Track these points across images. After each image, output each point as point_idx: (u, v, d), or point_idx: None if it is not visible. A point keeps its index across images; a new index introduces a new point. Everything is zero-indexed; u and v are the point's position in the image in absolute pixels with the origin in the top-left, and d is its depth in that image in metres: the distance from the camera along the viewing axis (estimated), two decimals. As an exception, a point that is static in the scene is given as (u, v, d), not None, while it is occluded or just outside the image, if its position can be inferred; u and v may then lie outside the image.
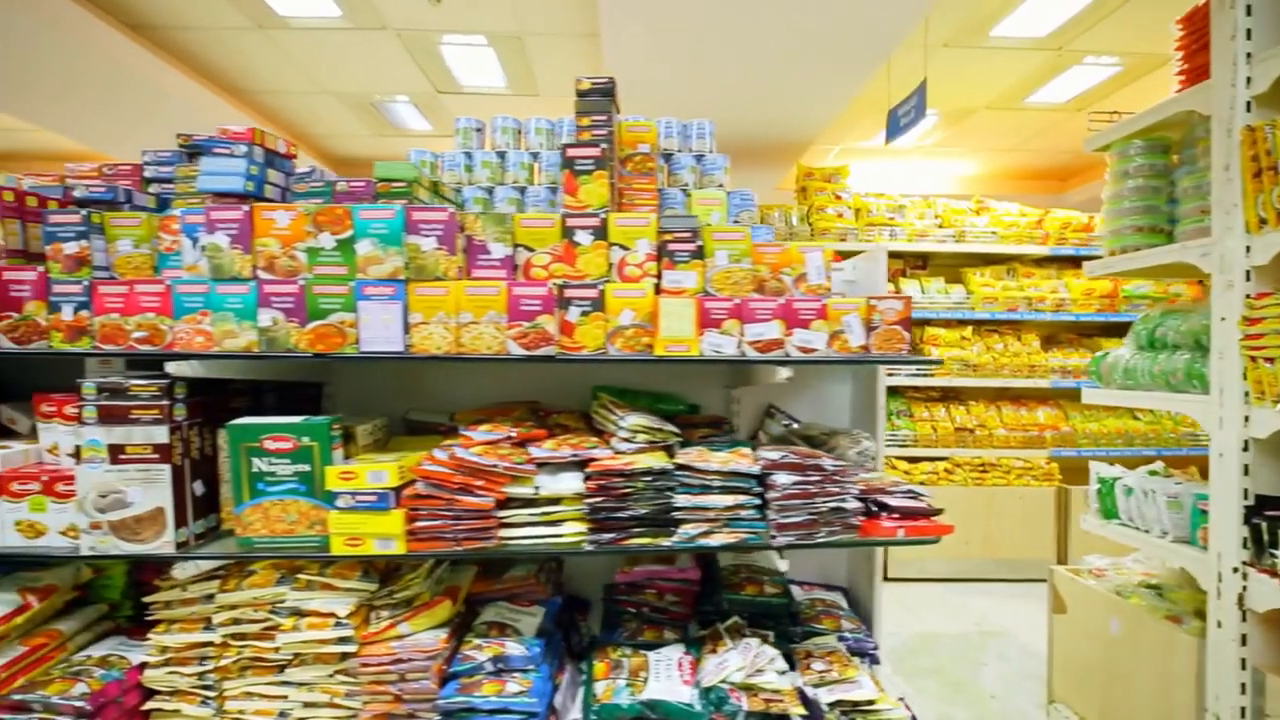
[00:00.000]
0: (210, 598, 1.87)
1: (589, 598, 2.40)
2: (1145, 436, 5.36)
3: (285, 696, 1.83)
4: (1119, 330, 5.77)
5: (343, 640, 1.79)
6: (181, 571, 1.80)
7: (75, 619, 1.98)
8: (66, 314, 1.74)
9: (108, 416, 1.68)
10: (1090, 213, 5.69)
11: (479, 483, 1.69)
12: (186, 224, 1.74)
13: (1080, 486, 5.17)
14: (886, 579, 4.65)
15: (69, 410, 1.80)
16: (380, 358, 1.68)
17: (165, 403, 1.69)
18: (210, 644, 1.84)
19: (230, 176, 1.93)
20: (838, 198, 5.44)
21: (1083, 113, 6.02)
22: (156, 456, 1.69)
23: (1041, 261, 5.71)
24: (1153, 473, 2.82)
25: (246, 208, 1.66)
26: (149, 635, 1.85)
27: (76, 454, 1.69)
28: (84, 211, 1.75)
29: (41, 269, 1.75)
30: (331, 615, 1.79)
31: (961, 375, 5.31)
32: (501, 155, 2.48)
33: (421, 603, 1.88)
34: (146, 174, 2.19)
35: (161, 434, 1.69)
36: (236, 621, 1.83)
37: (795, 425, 2.43)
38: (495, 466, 1.67)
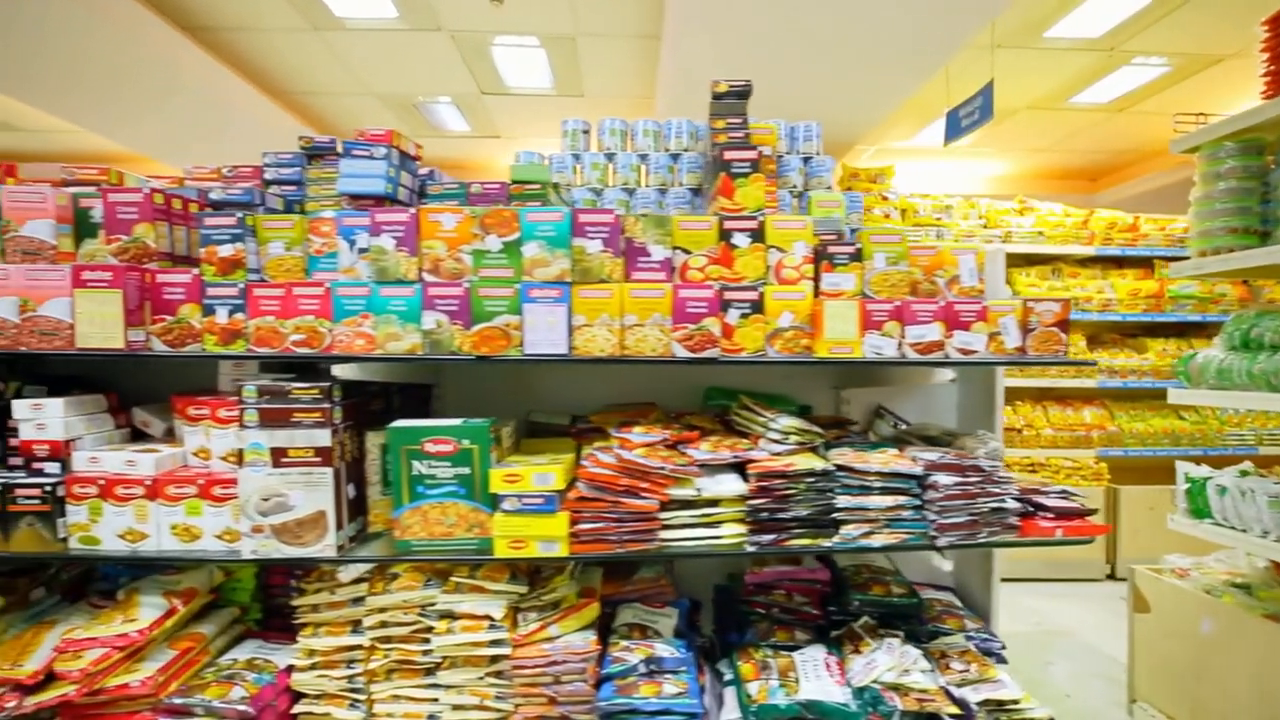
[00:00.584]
0: (358, 601, 1.87)
1: (699, 598, 2.40)
2: (1191, 436, 5.38)
3: (435, 700, 1.83)
4: (1163, 330, 5.82)
5: (495, 643, 1.79)
6: (346, 574, 1.80)
7: (213, 622, 1.98)
8: (221, 317, 1.73)
9: (270, 420, 1.68)
10: (1133, 213, 5.72)
11: (644, 485, 1.69)
12: (344, 226, 1.74)
13: (1131, 486, 5.20)
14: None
15: (223, 414, 1.79)
16: (544, 360, 1.68)
17: (327, 406, 1.69)
18: (358, 647, 1.84)
19: (372, 179, 1.93)
20: (884, 198, 5.45)
21: (1124, 113, 6.05)
22: (319, 460, 1.69)
23: (1086, 261, 5.73)
24: (1244, 473, 2.84)
25: (414, 210, 1.66)
26: (297, 638, 1.85)
27: (239, 457, 1.68)
28: (239, 214, 1.75)
29: (195, 272, 1.74)
30: (486, 618, 1.79)
31: (1008, 375, 5.33)
32: (610, 157, 2.48)
33: (569, 605, 1.88)
34: (267, 176, 2.19)
35: (324, 437, 1.69)
36: (385, 625, 1.84)
37: (905, 426, 2.43)
38: (662, 468, 1.67)
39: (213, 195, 1.98)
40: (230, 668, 1.83)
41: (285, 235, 1.78)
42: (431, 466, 1.71)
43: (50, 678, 1.71)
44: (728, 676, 1.91)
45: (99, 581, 2.12)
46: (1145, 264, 5.67)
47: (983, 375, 2.37)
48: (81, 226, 1.82)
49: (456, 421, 1.72)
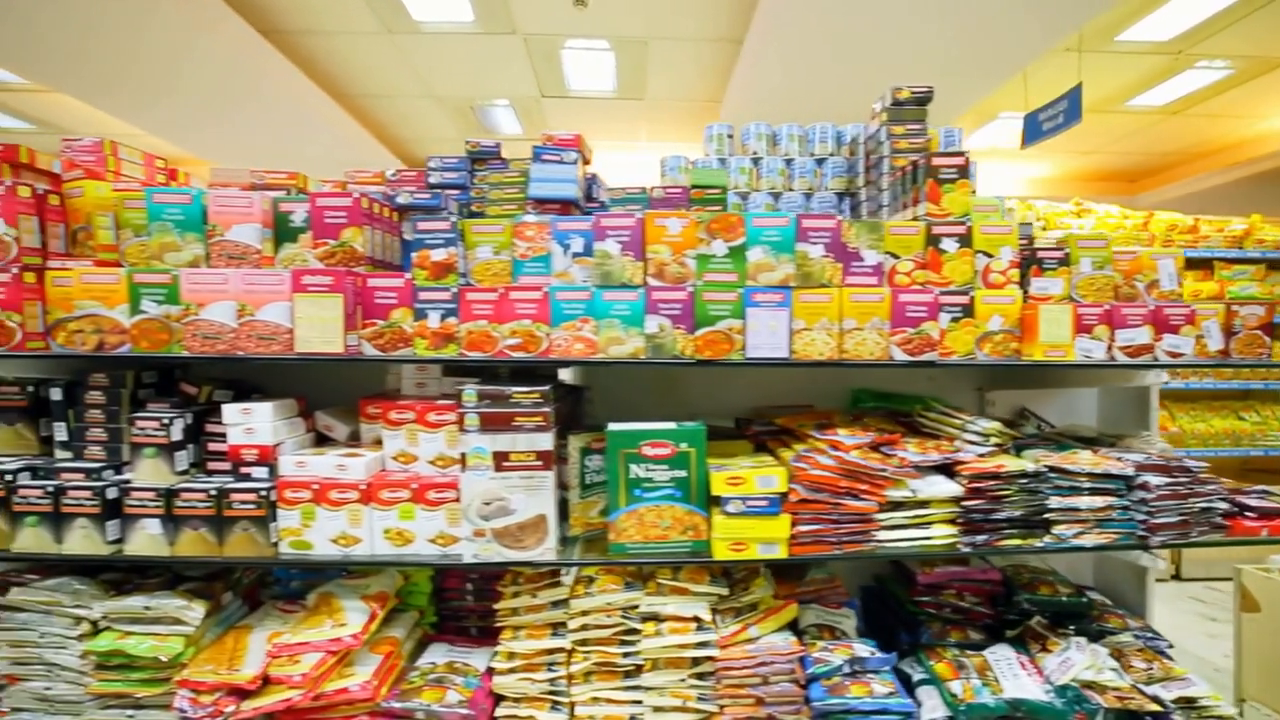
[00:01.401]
0: (558, 604, 1.87)
1: (847, 599, 2.41)
2: (1252, 437, 5.43)
3: (637, 701, 1.84)
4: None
5: (702, 645, 1.80)
6: (568, 576, 1.81)
7: (401, 626, 1.98)
8: (433, 321, 1.74)
9: (491, 424, 1.69)
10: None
11: (862, 486, 1.70)
12: (558, 231, 1.75)
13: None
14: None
15: (433, 418, 1.80)
16: (762, 364, 1.69)
17: (547, 410, 1.70)
18: (559, 650, 1.85)
19: (563, 183, 1.95)
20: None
21: (1178, 115, 6.11)
22: (540, 464, 1.70)
23: (1142, 263, 5.77)
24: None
25: (640, 214, 1.67)
26: (499, 641, 1.85)
27: (450, 461, 1.69)
28: (453, 219, 1.75)
29: (408, 276, 1.75)
30: (694, 619, 1.80)
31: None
32: (755, 161, 2.50)
33: (767, 607, 1.89)
34: (431, 180, 2.19)
35: (545, 441, 1.70)
36: (587, 627, 1.84)
37: (1050, 427, 2.46)
38: (882, 470, 1.69)
39: (399, 200, 1.99)
40: (433, 671, 1.84)
41: (494, 239, 1.79)
42: (649, 470, 1.72)
43: (264, 682, 1.71)
44: (918, 676, 1.92)
45: (273, 585, 2.13)
46: (1205, 265, 5.72)
47: (1124, 378, 2.39)
48: (281, 231, 1.82)
49: (672, 425, 1.73)
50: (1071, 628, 2.11)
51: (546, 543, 1.71)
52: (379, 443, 1.97)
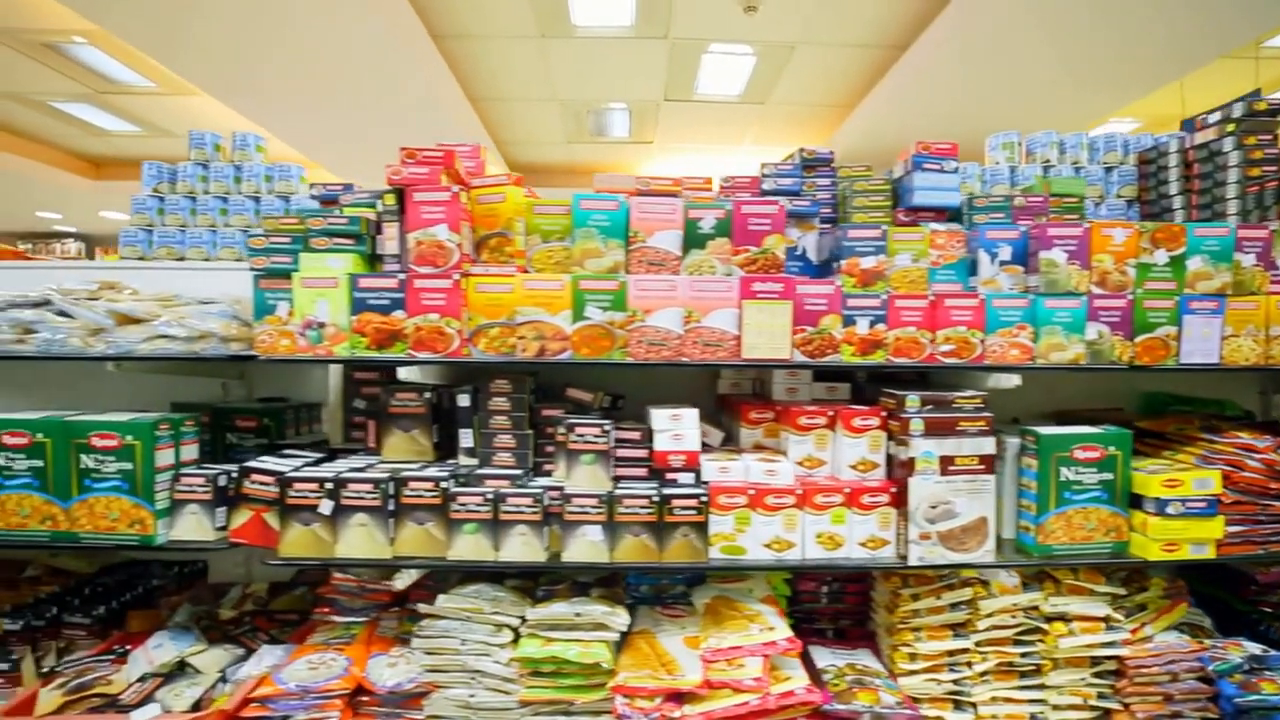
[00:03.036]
0: (957, 606, 1.90)
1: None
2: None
3: (1040, 700, 1.87)
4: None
5: (1109, 644, 1.84)
6: (1011, 578, 1.83)
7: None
8: (861, 328, 1.76)
9: (935, 429, 1.71)
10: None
11: (1290, 488, 1.75)
12: (985, 239, 1.78)
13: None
14: None
15: (858, 423, 1.82)
16: (1195, 369, 1.73)
17: (988, 414, 1.73)
18: (962, 650, 1.87)
19: (946, 192, 1.98)
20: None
21: None
22: (982, 467, 1.73)
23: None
24: None
25: (1086, 225, 1.70)
26: (895, 643, 1.87)
27: (908, 465, 1.71)
28: (883, 227, 1.78)
29: (837, 283, 1.77)
30: (1104, 619, 1.84)
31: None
32: (1046, 169, 2.54)
33: (1157, 606, 1.93)
34: (765, 186, 2.21)
35: (989, 445, 1.72)
36: (992, 628, 1.87)
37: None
38: (1315, 473, 1.74)
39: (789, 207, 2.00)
40: (841, 672, 1.85)
41: (913, 247, 1.81)
42: (1079, 472, 1.75)
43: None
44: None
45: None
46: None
47: None
48: (689, 237, 1.83)
49: (1099, 429, 1.76)
50: None
51: (986, 545, 1.74)
52: (758, 447, 1.99)
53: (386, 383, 1.94)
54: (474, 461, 1.85)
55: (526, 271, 1.80)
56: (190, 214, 2.59)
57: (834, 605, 2.16)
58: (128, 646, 1.94)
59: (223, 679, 1.85)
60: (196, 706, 1.74)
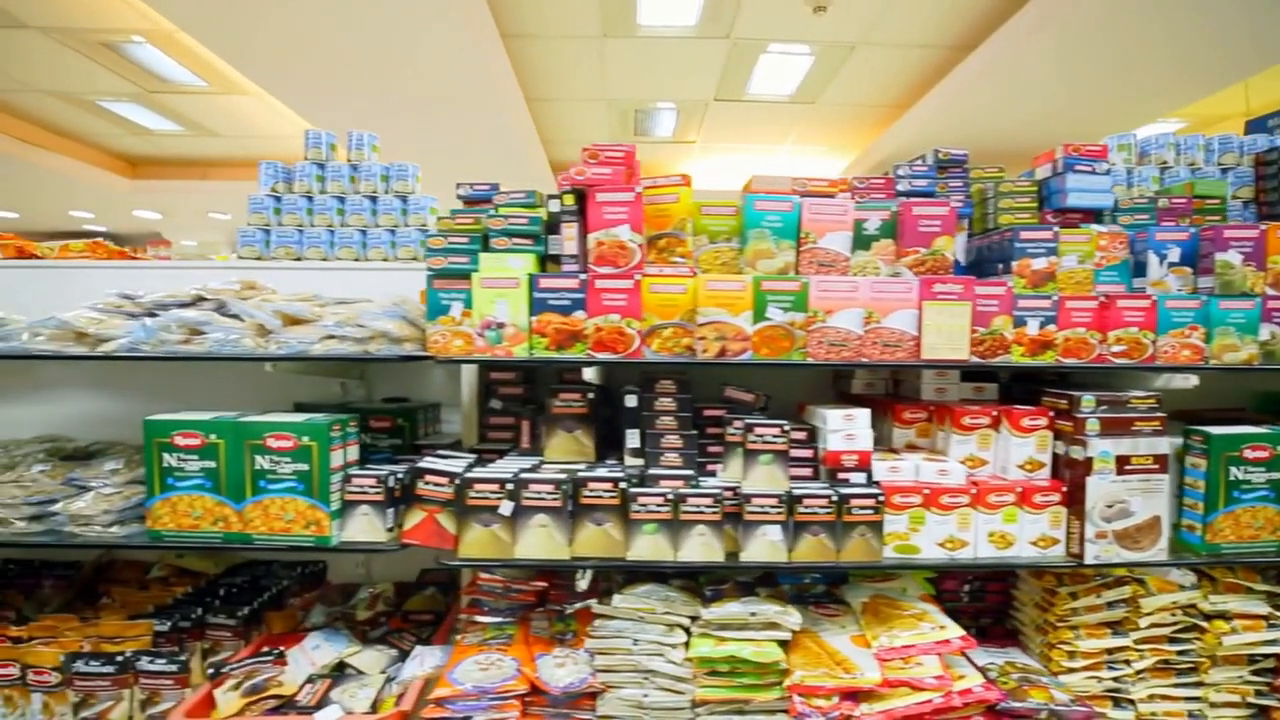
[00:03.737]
0: (1114, 605, 1.92)
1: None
2: None
3: (1197, 698, 1.89)
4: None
5: (1273, 642, 1.86)
6: (1184, 576, 1.85)
7: (934, 628, 2.00)
8: (1031, 328, 1.77)
9: (1111, 429, 1.73)
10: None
11: None
12: (1154, 240, 1.80)
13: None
14: None
15: (1026, 423, 1.83)
16: (1366, 369, 1.75)
17: (1161, 414, 1.74)
18: (1123, 649, 1.89)
19: (1099, 193, 1.99)
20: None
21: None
22: (1156, 467, 1.74)
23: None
24: None
25: (1263, 226, 1.72)
26: (1053, 642, 1.89)
27: (1085, 464, 1.72)
28: (1055, 228, 1.79)
29: (1009, 284, 1.78)
30: (1265, 617, 1.86)
31: None
32: (1164, 169, 2.56)
33: (1306, 605, 1.96)
34: (899, 187, 2.22)
35: (1162, 445, 1.74)
36: (1152, 626, 1.89)
37: None
38: None
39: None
40: (1005, 670, 1.87)
41: (1080, 249, 1.83)
42: (1247, 472, 1.77)
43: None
44: None
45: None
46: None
47: None
48: (855, 238, 1.84)
49: (1267, 429, 1.78)
50: None
51: (1159, 544, 1.75)
52: (910, 447, 2.01)
53: (523, 383, 2.01)
54: (639, 462, 1.85)
55: (695, 274, 1.80)
56: (306, 214, 2.59)
57: (974, 604, 2.18)
58: (280, 648, 1.94)
59: (388, 679, 1.85)
60: (373, 707, 1.74)
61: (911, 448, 2.00)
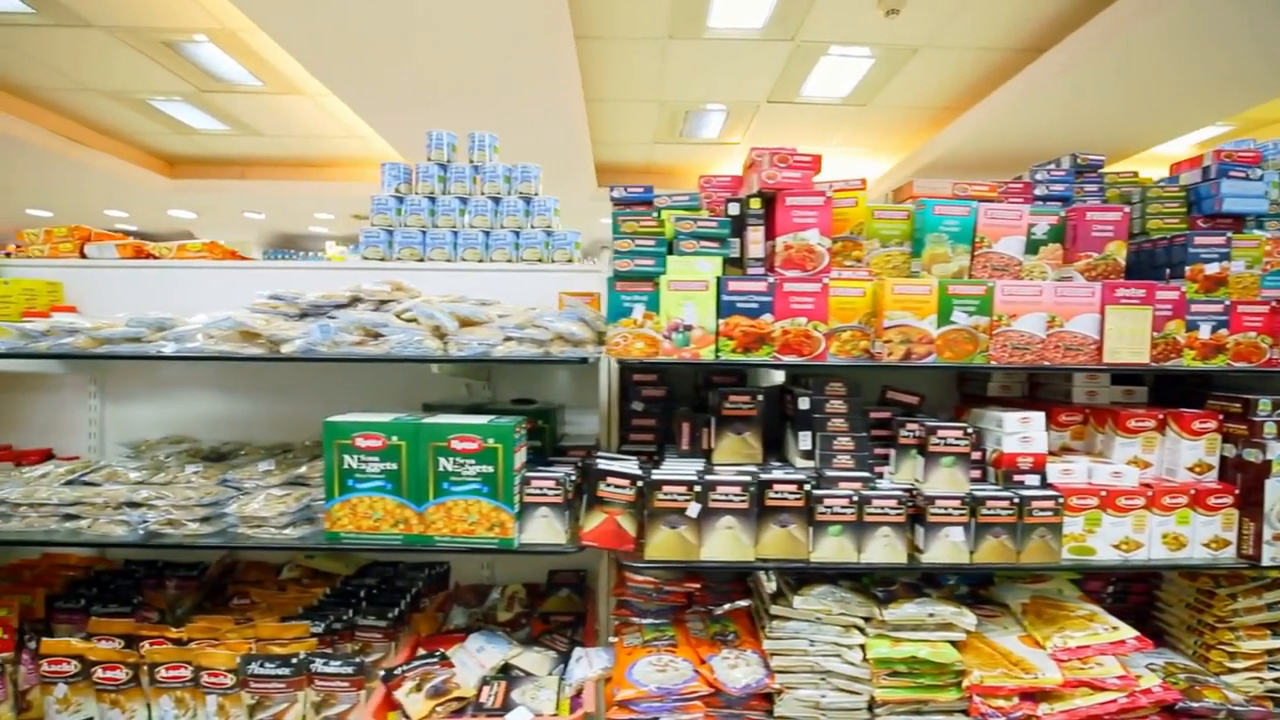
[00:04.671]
0: (1274, 606, 1.94)
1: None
2: None
3: (1354, 696, 1.92)
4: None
5: None
6: None
7: (1088, 629, 2.03)
8: (1203, 333, 1.80)
9: (1289, 431, 1.75)
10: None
11: None
12: (1322, 245, 1.82)
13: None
14: None
15: (1196, 426, 1.85)
16: None
17: (1336, 417, 1.77)
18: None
19: (1255, 199, 2.01)
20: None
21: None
22: (1328, 469, 1.77)
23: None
24: None
25: None
26: (1211, 644, 1.91)
27: (1262, 467, 1.75)
28: (1227, 234, 1.81)
29: (1181, 289, 1.80)
30: None
31: None
32: None
33: None
34: (1037, 192, 2.24)
35: (1337, 448, 1.77)
36: (1303, 627, 1.92)
37: None
38: None
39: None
40: (1173, 670, 1.89)
41: (1249, 254, 1.85)
42: None
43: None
44: None
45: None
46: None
47: None
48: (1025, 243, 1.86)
49: None
50: None
51: (1333, 546, 1.78)
52: (1065, 450, 2.02)
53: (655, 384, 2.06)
54: (810, 464, 1.87)
55: (871, 277, 1.82)
56: (429, 214, 2.60)
57: (1117, 604, 2.20)
58: (440, 650, 1.94)
59: (561, 680, 1.86)
60: (555, 709, 1.75)
61: (1067, 450, 2.02)
